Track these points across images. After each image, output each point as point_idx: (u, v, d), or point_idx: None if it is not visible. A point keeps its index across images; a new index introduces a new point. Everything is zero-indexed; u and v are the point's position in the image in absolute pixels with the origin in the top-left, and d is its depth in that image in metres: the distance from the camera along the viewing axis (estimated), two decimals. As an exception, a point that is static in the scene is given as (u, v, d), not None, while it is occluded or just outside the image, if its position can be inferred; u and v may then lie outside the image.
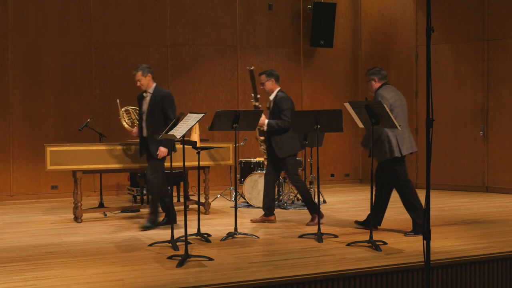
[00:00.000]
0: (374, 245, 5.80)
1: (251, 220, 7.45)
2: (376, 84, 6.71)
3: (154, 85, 7.05)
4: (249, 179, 8.71)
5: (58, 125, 9.82)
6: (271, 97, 7.29)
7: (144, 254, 5.69)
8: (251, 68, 7.62)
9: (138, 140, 7.36)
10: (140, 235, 6.65)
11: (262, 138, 7.86)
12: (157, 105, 6.94)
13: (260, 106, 7.50)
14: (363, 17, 11.89)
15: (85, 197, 8.54)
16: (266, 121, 7.18)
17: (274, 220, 7.43)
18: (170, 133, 5.67)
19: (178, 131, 5.64)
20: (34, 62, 9.71)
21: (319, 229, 6.26)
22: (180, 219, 7.32)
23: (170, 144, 6.67)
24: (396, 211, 8.30)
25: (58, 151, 7.40)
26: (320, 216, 6.77)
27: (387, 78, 6.76)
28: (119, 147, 7.64)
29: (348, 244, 5.97)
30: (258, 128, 7.63)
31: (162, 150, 6.88)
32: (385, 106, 5.84)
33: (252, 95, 7.55)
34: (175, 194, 8.97)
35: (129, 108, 7.89)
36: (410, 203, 6.59)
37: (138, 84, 7.00)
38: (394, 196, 8.81)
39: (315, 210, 7.18)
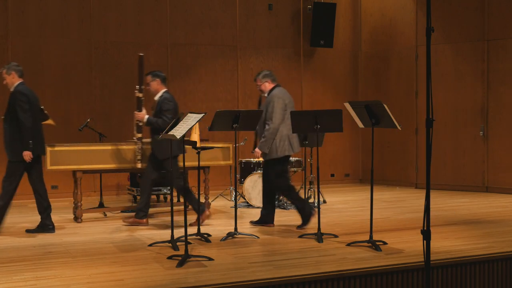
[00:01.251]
0: (374, 245, 5.80)
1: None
2: (270, 86, 7.01)
3: (17, 83, 6.80)
4: (249, 179, 8.71)
5: (58, 125, 9.79)
6: (156, 98, 7.14)
7: (144, 254, 5.69)
8: (141, 54, 7.23)
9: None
10: (140, 235, 6.65)
11: (139, 135, 7.30)
12: (11, 103, 6.74)
13: (143, 98, 7.14)
14: (363, 17, 11.90)
15: (85, 197, 8.54)
16: (146, 116, 7.03)
17: (146, 223, 7.17)
18: (170, 133, 5.67)
19: (178, 131, 5.64)
20: (34, 62, 9.70)
21: (319, 229, 6.26)
22: (180, 219, 7.32)
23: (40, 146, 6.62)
24: (396, 211, 8.30)
25: (58, 151, 7.40)
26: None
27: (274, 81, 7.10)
28: (119, 147, 7.64)
29: (348, 244, 5.97)
30: (137, 124, 7.23)
31: (26, 154, 6.59)
32: (385, 106, 5.85)
33: (137, 86, 7.16)
34: (175, 194, 8.97)
35: None
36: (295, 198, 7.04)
37: (4, 82, 6.85)
38: (394, 197, 8.82)
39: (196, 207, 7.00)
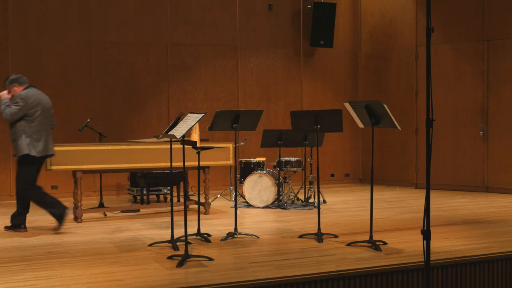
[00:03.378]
0: (374, 245, 5.80)
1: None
2: (19, 89, 6.88)
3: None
4: (249, 179, 8.71)
5: (58, 125, 9.76)
6: None
7: (144, 254, 5.69)
8: None
9: (140, 140, 7.36)
10: (140, 235, 6.65)
11: None
12: None
13: None
14: (363, 17, 11.90)
15: (85, 197, 8.54)
16: None
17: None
18: (170, 133, 5.67)
19: (178, 131, 5.64)
20: (34, 62, 9.71)
21: (319, 229, 6.26)
22: (180, 219, 7.32)
23: None
24: (396, 211, 8.30)
25: (58, 151, 7.39)
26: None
27: (28, 82, 6.97)
28: (119, 147, 7.64)
29: (348, 244, 5.97)
30: None
31: None
32: (385, 106, 5.84)
33: None
34: (175, 194, 8.97)
35: None
36: (43, 201, 6.83)
37: None
38: (394, 197, 8.78)
39: None
